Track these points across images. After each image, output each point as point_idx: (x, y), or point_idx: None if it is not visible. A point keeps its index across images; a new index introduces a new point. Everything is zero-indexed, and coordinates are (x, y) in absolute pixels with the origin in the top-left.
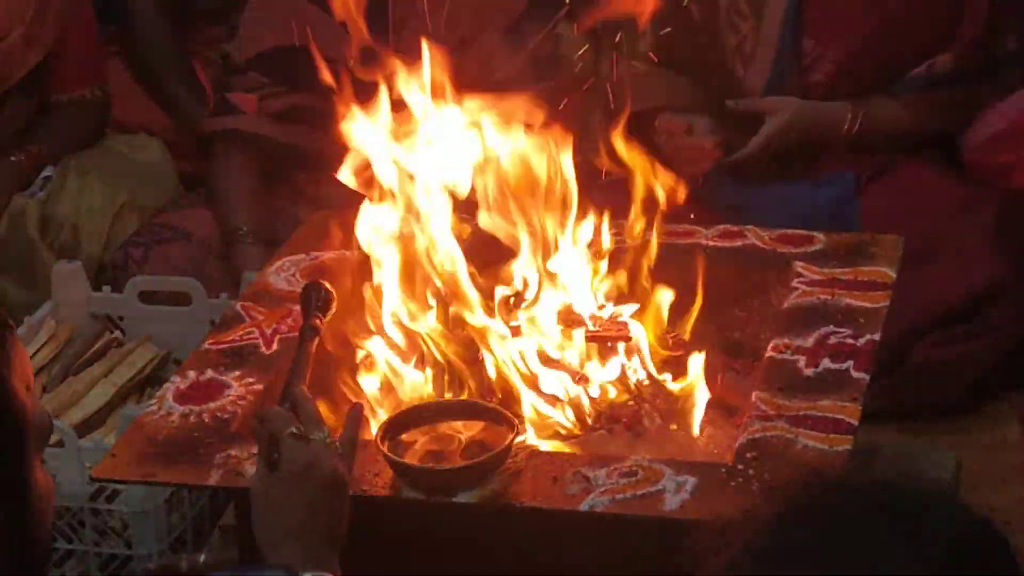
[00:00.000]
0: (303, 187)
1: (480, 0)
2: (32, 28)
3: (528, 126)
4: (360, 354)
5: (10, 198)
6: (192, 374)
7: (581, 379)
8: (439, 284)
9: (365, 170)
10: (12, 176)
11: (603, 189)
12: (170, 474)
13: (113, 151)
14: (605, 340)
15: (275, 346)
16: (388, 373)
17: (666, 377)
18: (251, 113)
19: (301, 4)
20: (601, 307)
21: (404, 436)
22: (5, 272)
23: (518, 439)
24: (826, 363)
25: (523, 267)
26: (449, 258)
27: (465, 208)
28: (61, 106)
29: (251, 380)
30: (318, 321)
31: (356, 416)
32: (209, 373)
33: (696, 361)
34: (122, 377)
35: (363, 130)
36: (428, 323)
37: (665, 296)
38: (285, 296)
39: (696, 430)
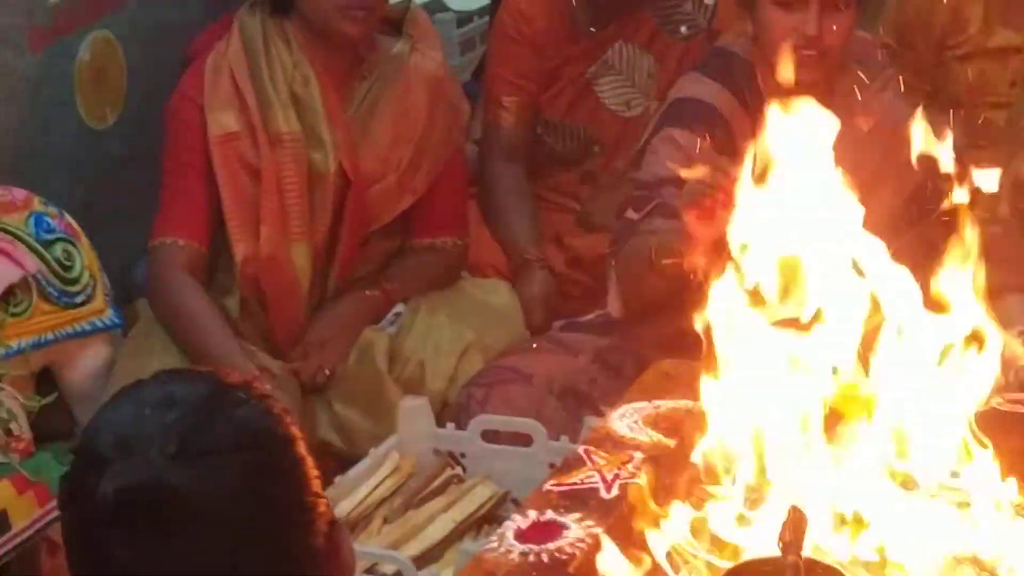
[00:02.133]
0: None
1: (878, 170)
2: (406, 175)
3: None
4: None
5: (361, 331)
6: (532, 514)
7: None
8: None
9: None
10: (366, 311)
11: None
12: None
13: (464, 292)
14: None
15: (615, 491)
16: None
17: None
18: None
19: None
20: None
21: None
22: (353, 403)
23: None
24: None
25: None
26: None
27: None
28: (421, 249)
29: (590, 523)
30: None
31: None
32: (549, 514)
33: None
34: (462, 513)
35: None
36: None
37: None
38: (627, 443)
39: None
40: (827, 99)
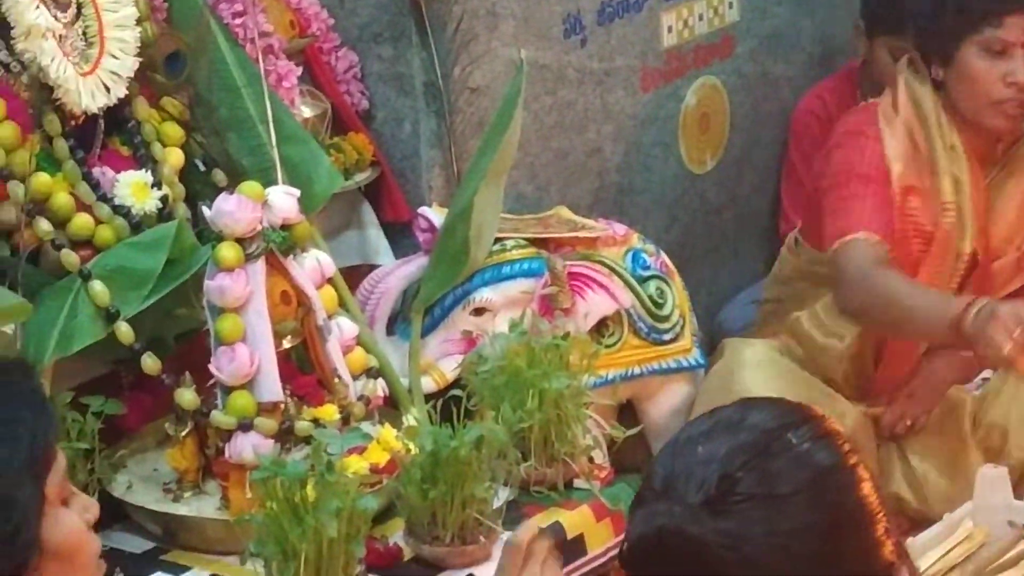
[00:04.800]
0: None
1: None
2: None
3: None
4: None
5: (949, 389)
6: None
7: None
8: None
9: None
10: (959, 370)
11: None
12: None
13: None
14: None
15: None
16: None
17: None
18: None
19: None
20: None
21: None
22: (930, 459)
23: None
24: None
25: None
26: None
27: None
28: None
29: None
30: None
31: None
32: None
33: None
34: None
35: None
36: None
37: None
38: None
39: None
40: None
